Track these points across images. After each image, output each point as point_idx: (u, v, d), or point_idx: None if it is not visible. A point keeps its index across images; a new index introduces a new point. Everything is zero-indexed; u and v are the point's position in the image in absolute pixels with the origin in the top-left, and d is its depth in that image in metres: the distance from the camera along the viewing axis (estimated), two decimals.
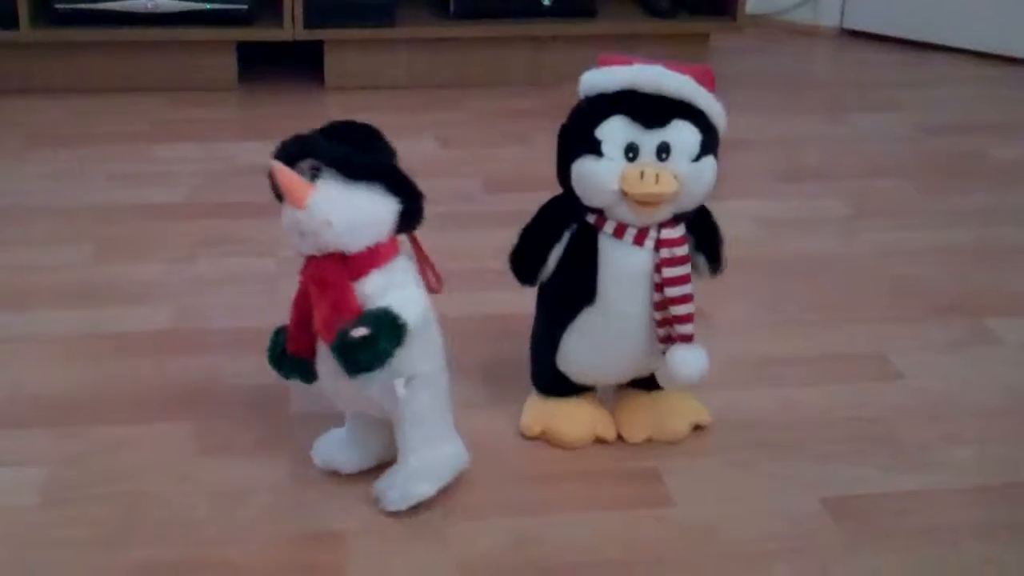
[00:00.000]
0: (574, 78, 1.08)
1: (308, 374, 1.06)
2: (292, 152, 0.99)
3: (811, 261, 1.58)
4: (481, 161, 1.87)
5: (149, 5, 2.06)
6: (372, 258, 1.00)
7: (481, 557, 1.01)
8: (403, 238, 1.04)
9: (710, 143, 1.05)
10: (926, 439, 1.19)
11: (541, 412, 1.16)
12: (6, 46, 2.06)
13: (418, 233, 1.04)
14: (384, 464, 1.09)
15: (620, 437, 1.16)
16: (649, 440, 1.16)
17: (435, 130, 1.99)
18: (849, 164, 1.93)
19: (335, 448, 1.10)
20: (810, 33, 2.64)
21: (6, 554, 1.00)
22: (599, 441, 1.16)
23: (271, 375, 1.19)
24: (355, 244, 0.99)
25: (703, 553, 1.02)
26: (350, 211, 0.98)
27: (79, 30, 2.06)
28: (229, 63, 2.15)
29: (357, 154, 0.98)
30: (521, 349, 1.20)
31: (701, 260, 1.11)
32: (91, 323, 1.37)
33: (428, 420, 1.05)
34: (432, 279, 1.05)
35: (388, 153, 1.03)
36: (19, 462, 1.12)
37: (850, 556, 1.02)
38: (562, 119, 1.09)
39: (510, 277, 1.13)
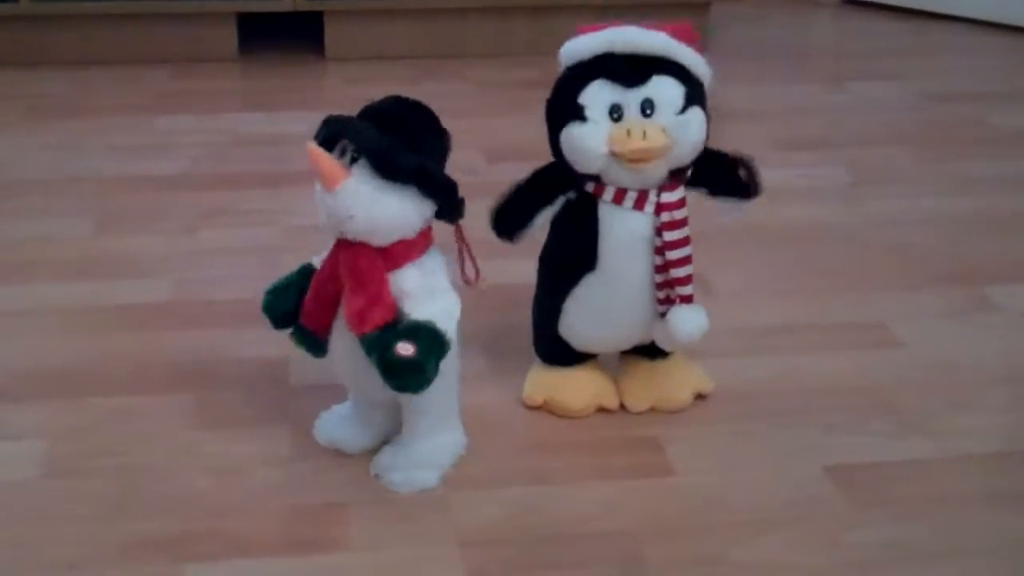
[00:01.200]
0: None
1: (318, 348, 1.04)
2: (333, 130, 0.96)
3: (812, 230, 1.57)
4: (482, 131, 1.86)
5: None
6: (408, 251, 0.98)
7: (483, 527, 1.01)
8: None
9: (695, 95, 1.05)
10: (929, 407, 1.19)
11: (544, 382, 1.16)
12: (6, 18, 2.06)
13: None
14: (386, 442, 1.09)
15: (623, 406, 1.16)
16: (652, 409, 1.16)
17: (436, 101, 1.95)
18: (850, 133, 1.92)
19: (338, 426, 1.10)
20: (810, 2, 2.63)
21: (6, 528, 1.00)
22: (602, 410, 1.16)
23: (273, 345, 1.20)
24: (378, 240, 0.97)
25: (706, 522, 1.03)
26: (376, 210, 0.95)
27: (79, 3, 2.05)
28: (229, 34, 2.15)
29: (395, 151, 0.94)
30: (523, 320, 1.20)
31: (728, 201, 1.10)
32: (92, 296, 1.37)
33: (437, 409, 1.05)
34: (471, 272, 1.03)
35: (437, 145, 0.99)
36: (19, 435, 1.12)
37: (855, 524, 1.03)
38: None
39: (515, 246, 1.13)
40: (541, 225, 1.12)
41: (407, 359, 0.93)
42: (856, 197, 1.68)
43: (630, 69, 1.03)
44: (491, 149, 1.79)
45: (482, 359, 1.24)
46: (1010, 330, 1.34)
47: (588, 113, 1.04)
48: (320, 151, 0.94)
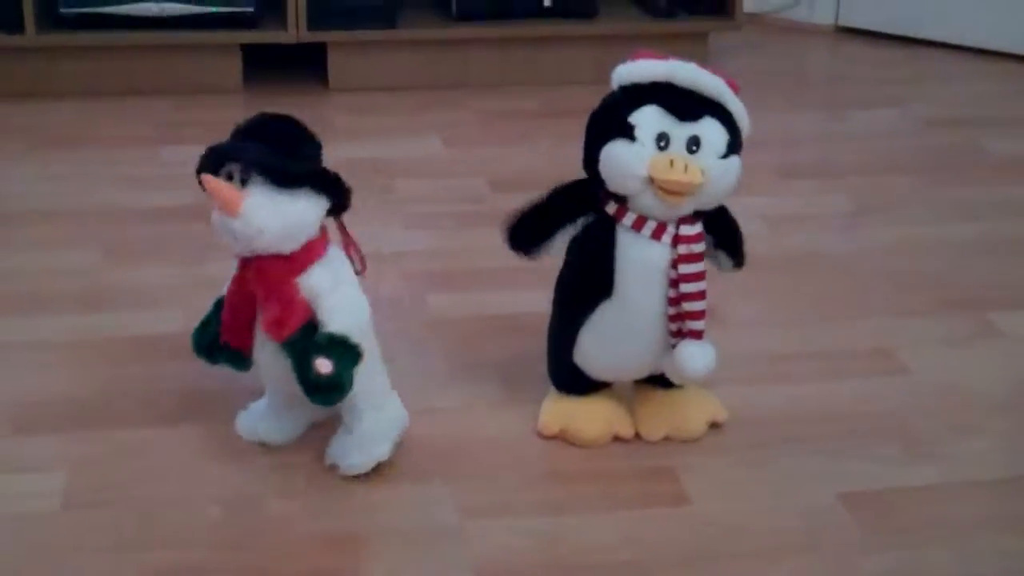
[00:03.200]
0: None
1: (242, 363, 1.11)
2: (220, 157, 1.02)
3: (815, 257, 1.59)
4: (485, 161, 1.88)
5: (155, 9, 2.06)
6: (311, 253, 1.05)
7: (499, 556, 1.02)
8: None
9: (736, 144, 1.08)
10: (937, 433, 1.20)
11: (559, 411, 1.17)
12: (12, 50, 2.07)
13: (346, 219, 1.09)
14: (310, 430, 1.14)
15: (638, 435, 1.17)
16: (667, 438, 1.17)
17: (438, 131, 2.00)
18: (849, 160, 1.94)
19: (260, 421, 1.15)
20: (806, 31, 2.65)
21: (32, 560, 1.01)
22: (617, 439, 1.17)
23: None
24: (288, 247, 1.03)
25: (722, 550, 1.03)
26: (282, 218, 1.02)
27: (85, 34, 2.06)
28: (234, 66, 2.16)
29: (285, 161, 1.01)
30: (536, 348, 1.21)
31: (723, 256, 1.13)
32: (102, 327, 1.37)
33: (369, 388, 1.09)
34: (358, 262, 1.10)
35: (314, 147, 1.06)
36: (37, 468, 1.13)
37: (867, 550, 1.04)
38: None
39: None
40: (559, 244, 1.13)
41: (326, 377, 1.01)
42: (858, 224, 1.70)
43: (686, 103, 1.05)
44: (495, 178, 1.80)
45: (497, 388, 1.25)
46: (1014, 356, 1.35)
47: (637, 133, 1.05)
48: (216, 180, 1.01)
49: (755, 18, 2.60)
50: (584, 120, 1.10)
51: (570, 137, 1.16)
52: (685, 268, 1.07)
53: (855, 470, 1.14)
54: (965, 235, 1.66)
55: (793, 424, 1.21)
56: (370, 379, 1.08)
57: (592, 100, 1.12)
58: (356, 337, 1.03)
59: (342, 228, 1.09)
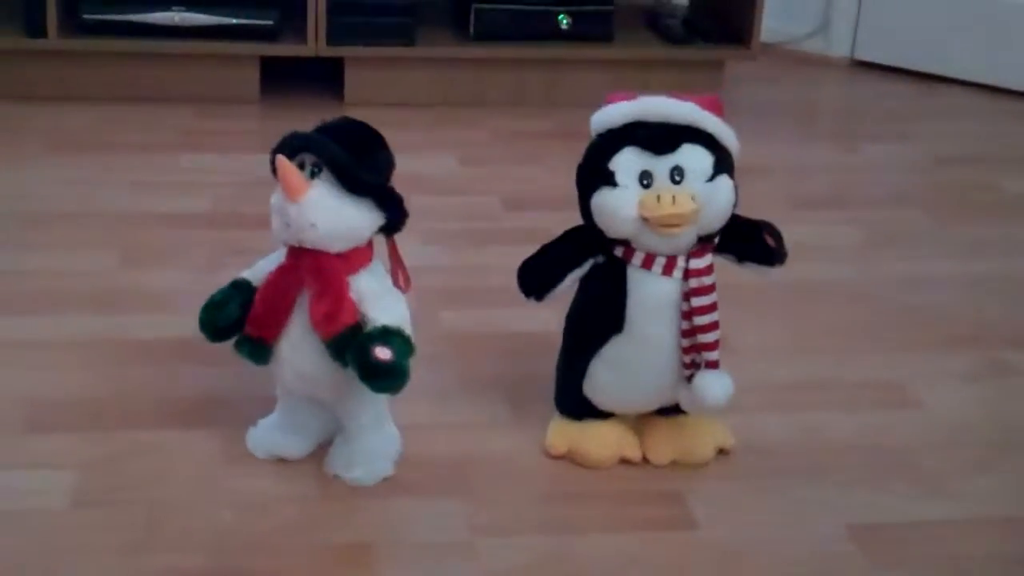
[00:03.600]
0: (591, 101, 1.11)
1: (263, 356, 1.11)
2: (299, 143, 1.04)
3: (827, 289, 1.59)
4: (500, 179, 1.89)
5: (177, 19, 2.07)
6: (362, 257, 1.07)
7: (505, 574, 1.02)
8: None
9: (722, 163, 1.08)
10: (948, 468, 1.20)
11: (567, 432, 1.17)
12: (35, 54, 2.08)
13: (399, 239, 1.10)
14: (323, 445, 1.14)
15: (645, 459, 1.17)
16: (674, 463, 1.17)
17: (454, 148, 2.01)
18: (862, 193, 1.95)
19: (274, 436, 1.15)
20: (822, 63, 2.67)
21: (40, 558, 1.01)
22: (624, 462, 1.17)
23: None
24: (333, 247, 1.05)
25: None
26: (336, 220, 1.03)
27: (106, 40, 2.08)
28: (252, 77, 2.17)
29: (359, 167, 1.03)
30: (544, 367, 1.21)
31: (754, 267, 1.13)
32: (117, 329, 1.38)
33: (376, 402, 1.10)
34: (402, 280, 1.11)
35: (387, 162, 1.08)
36: (48, 465, 1.13)
37: None
38: (578, 139, 1.12)
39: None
40: (568, 286, 1.14)
41: (387, 363, 1.01)
42: (870, 257, 1.70)
43: (660, 137, 1.06)
44: (508, 197, 1.81)
45: (505, 407, 1.25)
46: None
47: (619, 179, 1.06)
48: (288, 163, 1.02)
49: (771, 48, 2.61)
50: None
51: (580, 156, 1.17)
52: (698, 301, 1.08)
53: (864, 502, 1.14)
54: (977, 272, 1.66)
55: (803, 454, 1.21)
56: (371, 397, 1.08)
57: None
58: (407, 330, 1.05)
59: (393, 246, 1.09)
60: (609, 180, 1.06)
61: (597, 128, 1.10)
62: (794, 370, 1.38)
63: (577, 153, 1.12)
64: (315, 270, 1.05)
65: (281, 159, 1.02)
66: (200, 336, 1.37)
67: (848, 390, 1.34)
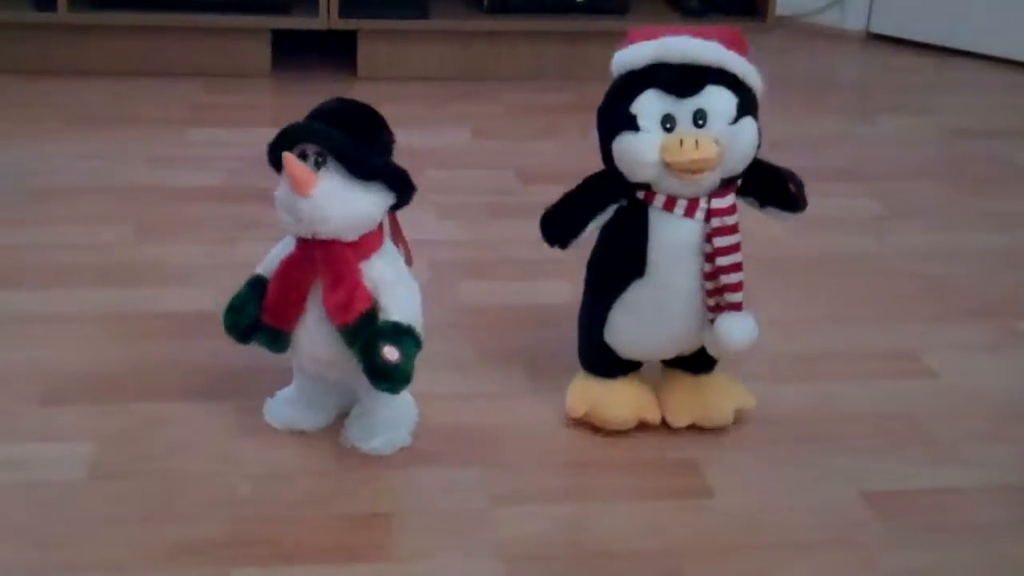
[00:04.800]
0: (605, 74, 1.10)
1: (280, 343, 1.10)
2: (298, 135, 1.02)
3: (844, 260, 1.59)
4: (515, 153, 1.88)
5: None
6: (373, 242, 1.06)
7: (526, 541, 1.02)
8: None
9: (746, 104, 1.07)
10: (963, 436, 1.20)
11: (586, 393, 1.17)
12: (45, 28, 2.08)
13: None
14: (340, 416, 1.14)
15: (664, 421, 1.17)
16: (692, 425, 1.17)
17: (468, 122, 2.01)
18: (879, 166, 1.94)
19: (291, 409, 1.15)
20: (837, 36, 2.65)
21: (56, 528, 1.02)
22: (642, 424, 1.17)
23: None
24: (349, 236, 1.03)
25: (744, 544, 1.04)
26: (350, 209, 1.02)
27: (116, 13, 2.08)
28: (264, 50, 2.17)
29: (365, 153, 1.01)
30: (561, 339, 1.21)
31: (775, 212, 1.12)
32: (134, 302, 1.38)
33: None
34: (405, 254, 1.10)
35: (389, 139, 1.06)
36: (65, 437, 1.14)
37: (889, 550, 1.04)
38: (593, 112, 1.10)
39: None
40: (592, 233, 1.13)
41: (393, 365, 1.00)
42: (885, 229, 1.70)
43: (683, 79, 1.05)
44: (524, 170, 1.81)
45: (524, 376, 1.25)
46: None
47: (641, 123, 1.05)
48: (293, 157, 1.00)
49: (787, 21, 2.60)
50: None
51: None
52: (720, 241, 1.07)
53: (878, 470, 1.14)
54: (992, 244, 1.66)
55: (819, 422, 1.21)
56: None
57: None
58: (417, 328, 1.05)
59: (394, 220, 1.09)
60: (631, 124, 1.05)
61: (618, 68, 1.08)
62: (810, 340, 1.37)
63: (593, 126, 1.11)
64: (327, 260, 1.04)
65: (287, 156, 1.00)
66: (215, 309, 1.38)
67: (864, 360, 1.34)
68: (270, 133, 1.93)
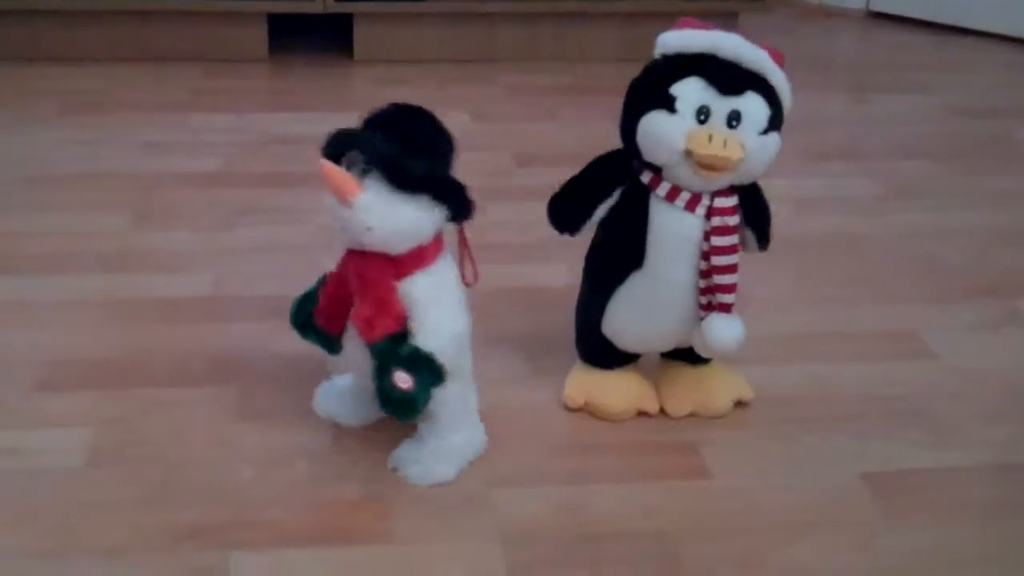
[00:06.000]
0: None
1: (333, 346, 1.07)
2: (344, 143, 0.97)
3: (842, 240, 1.59)
4: (512, 135, 1.88)
5: None
6: (418, 260, 1.00)
7: (524, 524, 1.03)
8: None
9: (777, 120, 1.07)
10: (962, 417, 1.20)
11: (585, 384, 1.17)
12: (42, 13, 2.07)
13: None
14: (384, 419, 1.10)
15: (663, 411, 1.17)
16: (691, 415, 1.17)
17: (465, 104, 2.00)
18: (877, 144, 1.93)
19: (338, 400, 1.12)
20: (837, 15, 2.64)
21: (55, 514, 1.02)
22: (641, 414, 1.17)
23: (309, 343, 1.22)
24: (395, 249, 0.98)
25: (742, 525, 1.04)
26: (393, 220, 0.96)
27: None
28: (260, 34, 2.16)
29: (409, 162, 0.95)
30: (560, 322, 1.21)
31: (749, 235, 1.12)
32: (132, 288, 1.38)
33: (452, 408, 1.05)
34: (470, 274, 1.05)
35: (443, 150, 1.00)
36: (63, 424, 1.13)
37: (888, 530, 1.04)
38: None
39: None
40: (601, 217, 1.12)
41: (402, 393, 0.96)
42: (884, 209, 1.69)
43: (729, 77, 1.04)
44: (520, 153, 1.80)
45: (521, 361, 1.25)
46: None
47: (678, 105, 1.04)
48: (333, 166, 0.95)
49: (786, 0, 2.59)
50: (611, 97, 1.09)
51: (596, 113, 1.16)
52: (718, 240, 1.07)
53: (878, 451, 1.14)
54: (993, 223, 1.65)
55: (816, 404, 1.21)
56: (458, 399, 1.05)
57: (619, 77, 1.12)
58: (443, 357, 0.99)
59: (462, 235, 1.04)
60: (668, 104, 1.04)
61: (665, 49, 1.07)
62: (808, 321, 1.37)
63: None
64: (359, 273, 1.00)
65: (326, 165, 0.95)
66: (213, 294, 1.38)
67: (863, 340, 1.34)
68: (269, 117, 1.95)
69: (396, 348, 0.98)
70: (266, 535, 1.00)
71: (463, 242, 1.04)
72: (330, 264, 1.07)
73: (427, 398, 0.98)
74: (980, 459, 1.14)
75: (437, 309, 1.00)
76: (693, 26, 1.07)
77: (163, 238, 1.51)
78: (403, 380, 0.96)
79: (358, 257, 1.00)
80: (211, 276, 1.42)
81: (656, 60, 1.08)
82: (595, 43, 2.19)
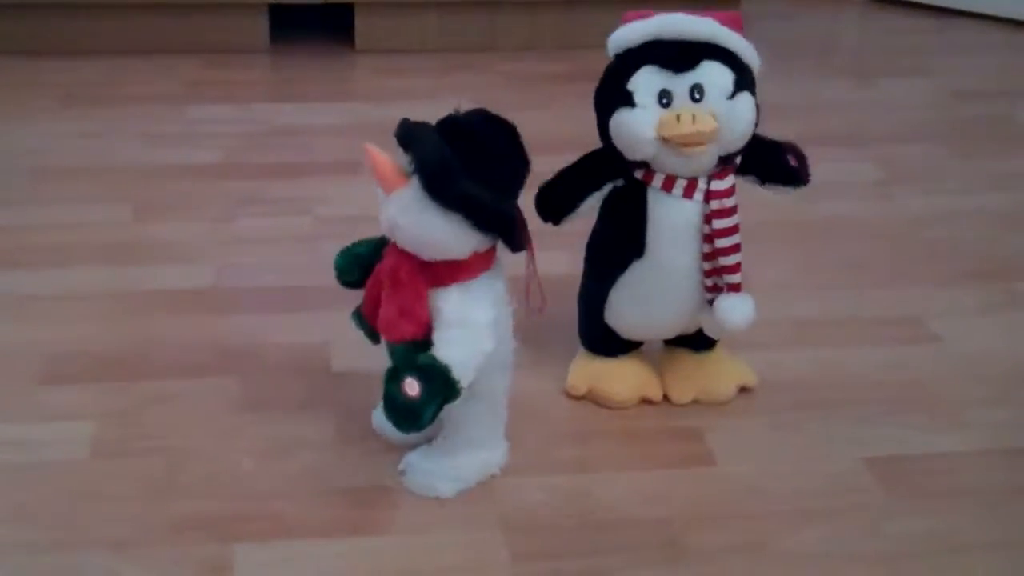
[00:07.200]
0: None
1: (374, 336, 1.03)
2: (402, 135, 0.93)
3: (844, 225, 1.58)
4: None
5: None
6: (455, 271, 0.95)
7: (527, 513, 1.03)
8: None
9: (744, 81, 1.06)
10: (966, 400, 1.20)
11: (588, 372, 1.17)
12: (40, 7, 2.07)
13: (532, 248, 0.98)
14: (430, 438, 1.06)
15: (666, 398, 1.17)
16: (695, 402, 1.17)
17: (465, 93, 1.99)
18: (879, 129, 1.93)
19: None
20: None
21: (58, 506, 1.02)
22: (645, 401, 1.17)
23: (315, 332, 1.24)
24: (425, 255, 0.94)
25: (746, 511, 1.04)
26: (418, 228, 0.92)
27: None
28: (261, 25, 2.16)
29: (447, 173, 0.89)
30: (563, 310, 1.21)
31: (779, 188, 1.12)
32: (133, 281, 1.38)
33: (476, 427, 1.03)
34: (538, 301, 1.00)
35: (511, 169, 0.94)
36: (66, 416, 1.13)
37: (893, 515, 1.04)
38: (592, 81, 1.09)
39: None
40: (587, 210, 1.13)
41: (408, 401, 0.91)
42: (887, 193, 1.69)
43: (679, 55, 1.04)
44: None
45: (524, 348, 1.23)
46: None
47: (637, 99, 1.04)
48: (379, 153, 0.92)
49: None
50: None
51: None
52: (719, 223, 1.06)
53: (882, 436, 1.14)
54: (996, 206, 1.65)
55: (819, 389, 1.21)
56: (481, 419, 1.02)
57: None
58: (458, 373, 0.93)
59: (528, 259, 0.98)
60: (627, 101, 1.04)
61: (614, 49, 1.07)
62: (811, 306, 1.37)
63: (589, 97, 1.10)
64: (393, 271, 0.95)
65: (371, 150, 0.91)
66: (215, 285, 1.38)
67: (865, 325, 1.33)
68: (269, 108, 1.95)
69: (414, 354, 0.94)
70: (270, 527, 1.00)
71: (530, 264, 0.98)
72: (329, 252, 1.07)
73: (434, 412, 0.93)
74: (985, 443, 1.13)
75: (461, 329, 0.95)
76: (636, 18, 1.07)
77: (164, 230, 1.50)
78: (411, 387, 0.92)
79: (395, 255, 0.96)
80: (213, 267, 1.42)
81: (610, 62, 1.08)
82: (597, 29, 2.16)
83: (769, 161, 1.11)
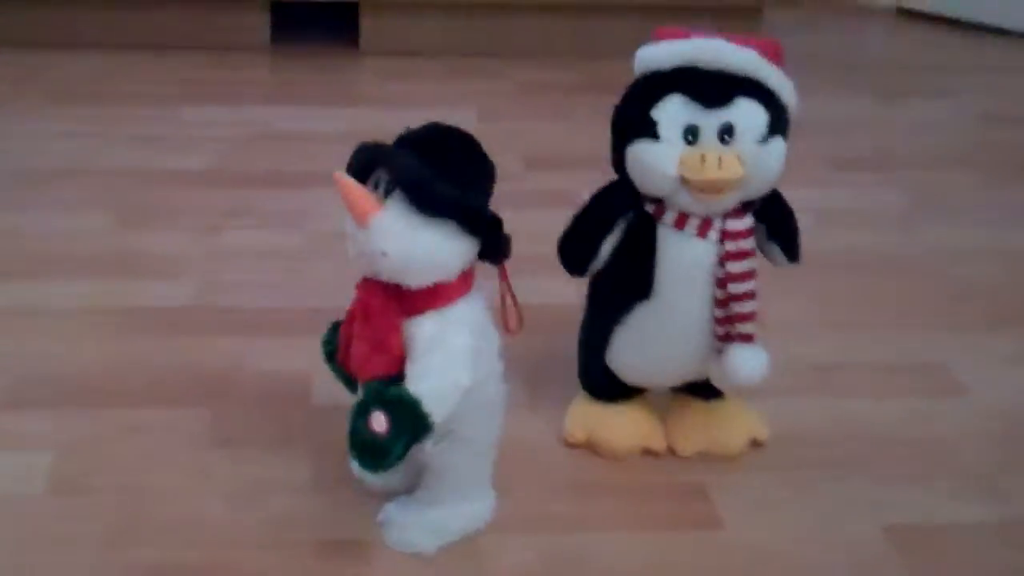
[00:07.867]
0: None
1: (353, 386, 0.97)
2: (366, 159, 0.88)
3: (867, 257, 1.50)
4: (521, 136, 1.79)
5: None
6: (431, 298, 0.89)
7: (511, 574, 0.94)
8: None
9: (778, 123, 0.97)
10: (996, 463, 1.11)
11: (587, 418, 1.08)
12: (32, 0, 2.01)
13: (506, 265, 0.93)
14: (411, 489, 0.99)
15: (670, 449, 1.09)
16: (701, 453, 1.08)
17: (473, 101, 1.92)
18: (906, 153, 1.84)
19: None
20: (866, 12, 2.55)
21: (9, 549, 0.94)
22: (647, 453, 1.08)
23: (296, 360, 1.16)
24: (412, 280, 0.88)
25: None
26: (410, 247, 0.86)
27: None
28: (262, 22, 2.09)
29: (432, 181, 0.86)
30: (566, 345, 1.13)
31: (776, 249, 1.03)
32: (109, 296, 1.31)
33: (459, 476, 0.96)
34: (512, 321, 0.93)
35: (478, 176, 0.90)
36: (25, 446, 1.06)
37: None
38: (607, 93, 1.01)
39: (557, 263, 1.06)
40: (608, 252, 1.04)
41: (374, 438, 0.86)
42: (914, 223, 1.60)
43: (713, 88, 0.95)
44: (529, 155, 1.72)
45: (521, 387, 1.16)
46: None
47: (661, 131, 0.96)
48: (350, 181, 0.86)
49: None
50: None
51: (610, 113, 1.07)
52: (733, 266, 0.98)
53: (904, 501, 1.05)
54: None
55: (837, 443, 1.12)
56: (466, 469, 0.95)
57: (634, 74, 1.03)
58: (429, 407, 0.87)
59: (503, 276, 0.92)
60: (650, 131, 0.95)
61: (642, 68, 0.98)
62: (828, 348, 1.28)
63: (606, 108, 1.02)
64: (364, 306, 0.90)
65: (340, 176, 0.86)
66: (196, 304, 1.31)
67: (886, 372, 1.25)
68: (267, 111, 1.87)
69: (383, 389, 0.88)
70: None
71: (503, 281, 0.93)
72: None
73: (402, 450, 0.87)
74: (1015, 512, 1.05)
75: (440, 355, 0.89)
76: (670, 36, 0.97)
77: (147, 241, 1.43)
78: (378, 423, 0.86)
79: (371, 286, 0.90)
80: (194, 284, 1.34)
81: (634, 82, 0.99)
82: (613, 37, 2.10)
83: (783, 222, 1.02)
